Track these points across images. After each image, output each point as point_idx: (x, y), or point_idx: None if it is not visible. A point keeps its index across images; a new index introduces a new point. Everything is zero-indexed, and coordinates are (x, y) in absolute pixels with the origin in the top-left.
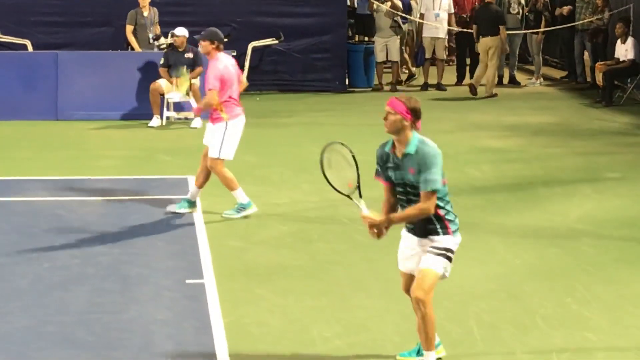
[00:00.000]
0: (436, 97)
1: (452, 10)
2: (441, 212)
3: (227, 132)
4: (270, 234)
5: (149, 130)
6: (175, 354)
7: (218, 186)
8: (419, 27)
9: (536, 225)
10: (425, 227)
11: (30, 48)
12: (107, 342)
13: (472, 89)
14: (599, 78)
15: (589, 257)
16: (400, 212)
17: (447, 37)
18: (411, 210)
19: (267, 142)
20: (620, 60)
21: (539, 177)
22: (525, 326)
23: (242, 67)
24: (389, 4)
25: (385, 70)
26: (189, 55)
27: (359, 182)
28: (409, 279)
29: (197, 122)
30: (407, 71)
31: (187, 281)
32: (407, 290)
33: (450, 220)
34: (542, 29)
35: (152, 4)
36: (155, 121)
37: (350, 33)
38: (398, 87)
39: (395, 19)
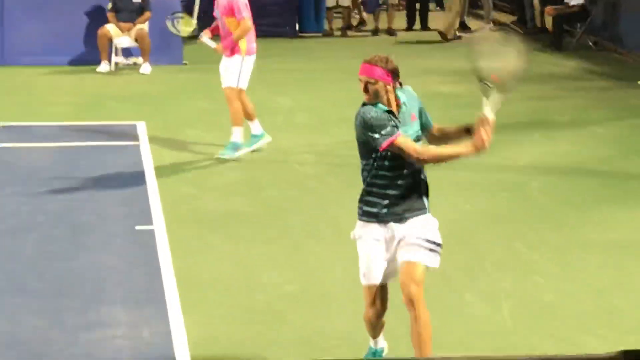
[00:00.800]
0: (386, 43)
1: None
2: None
3: (244, 64)
4: (221, 180)
5: (98, 76)
6: (126, 300)
7: (167, 130)
8: None
9: (486, 171)
10: (417, 198)
11: None
12: (57, 290)
13: (443, 35)
14: (549, 23)
15: (538, 202)
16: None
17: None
18: (452, 149)
19: (218, 87)
20: (570, 5)
21: None
22: (474, 271)
23: (191, 12)
24: None
25: (335, 15)
26: (138, 0)
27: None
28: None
29: (145, 68)
30: (357, 16)
31: (137, 227)
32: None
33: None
34: None
35: None
36: (104, 66)
37: None
38: (348, 33)
39: None
